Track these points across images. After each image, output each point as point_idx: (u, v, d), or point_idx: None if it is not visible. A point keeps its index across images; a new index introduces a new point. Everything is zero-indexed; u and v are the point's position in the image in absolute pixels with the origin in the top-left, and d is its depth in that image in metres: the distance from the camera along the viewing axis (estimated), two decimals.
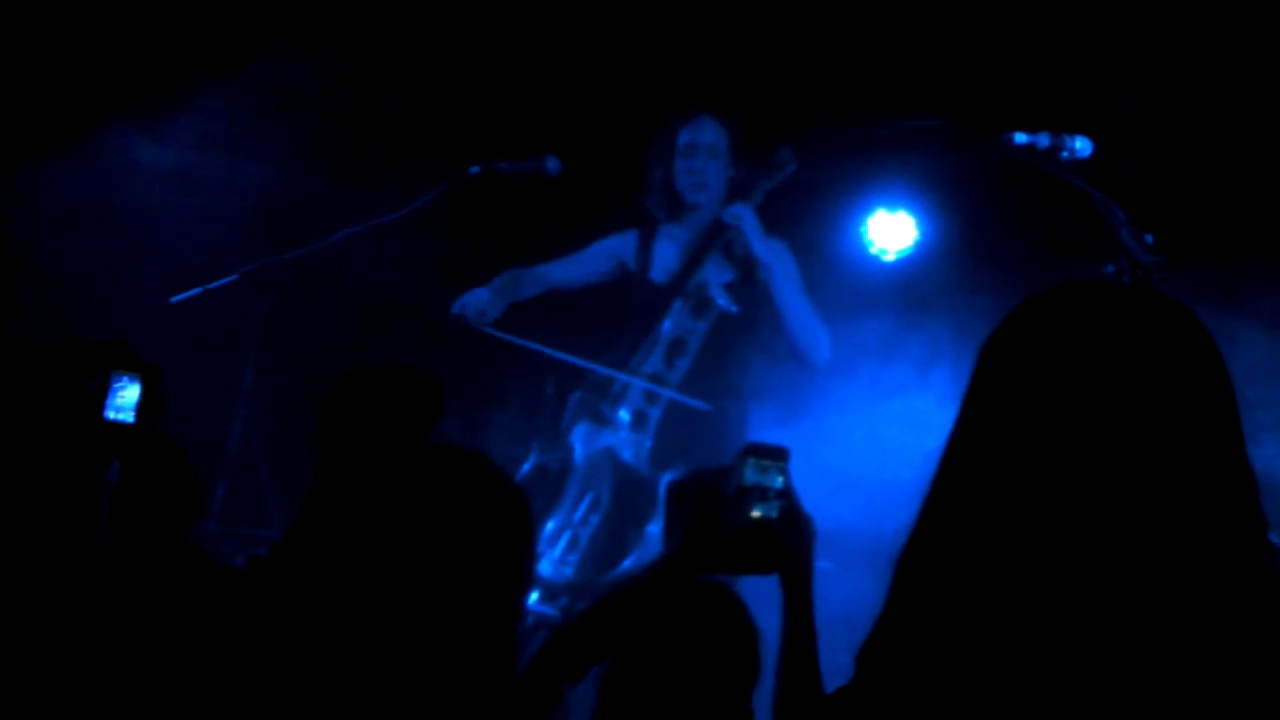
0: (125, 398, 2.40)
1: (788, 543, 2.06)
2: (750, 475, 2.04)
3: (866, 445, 4.93)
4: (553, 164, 4.76)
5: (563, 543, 4.53)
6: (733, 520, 2.04)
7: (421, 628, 1.72)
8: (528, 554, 1.83)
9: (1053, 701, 1.54)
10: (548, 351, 4.67)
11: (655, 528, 4.43)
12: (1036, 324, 1.68)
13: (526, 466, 4.69)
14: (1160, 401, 1.60)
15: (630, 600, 2.19)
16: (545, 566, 4.49)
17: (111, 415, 2.39)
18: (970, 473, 1.65)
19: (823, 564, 2.14)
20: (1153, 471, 1.58)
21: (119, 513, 2.38)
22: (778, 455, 2.06)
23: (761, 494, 2.04)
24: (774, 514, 2.04)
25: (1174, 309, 1.67)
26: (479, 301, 4.75)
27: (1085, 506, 1.57)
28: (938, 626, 1.61)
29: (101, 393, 2.39)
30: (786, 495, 2.06)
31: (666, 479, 4.45)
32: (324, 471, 2.84)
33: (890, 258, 5.33)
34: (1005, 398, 1.65)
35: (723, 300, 4.69)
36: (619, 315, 4.90)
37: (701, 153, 4.79)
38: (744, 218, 4.66)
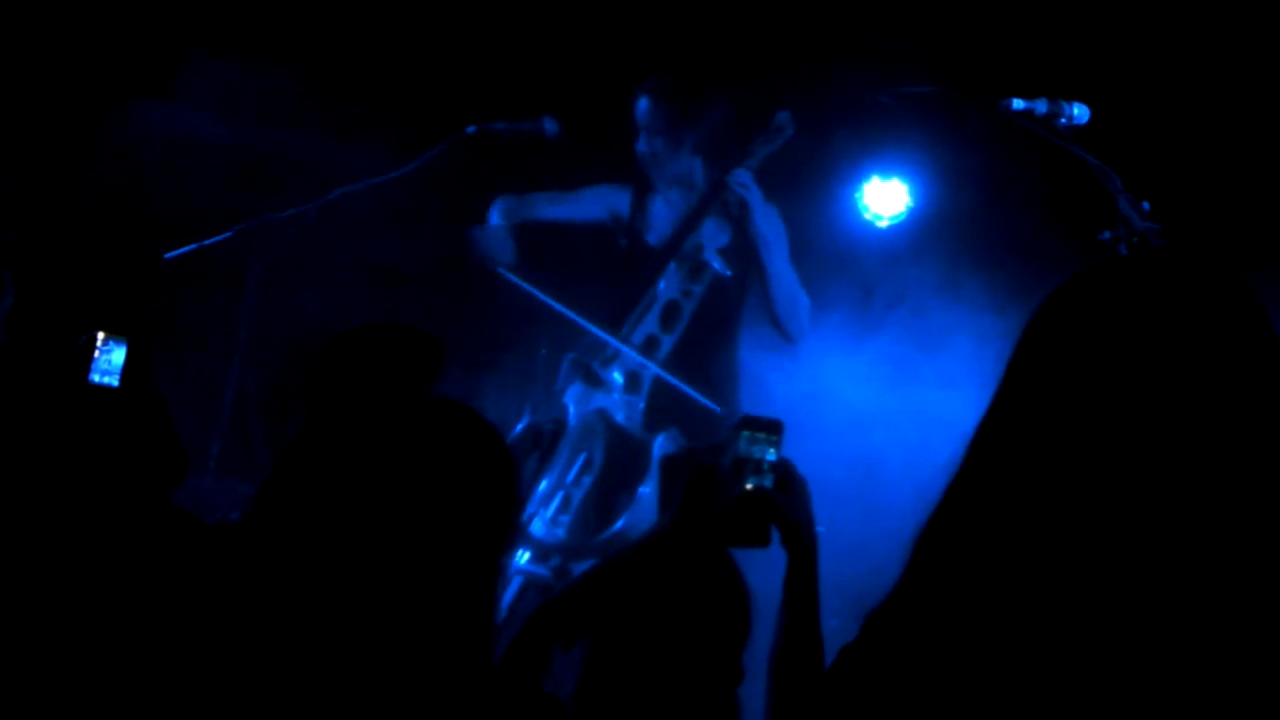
0: (111, 361, 2.39)
1: (787, 512, 2.07)
2: (744, 448, 2.07)
3: (857, 411, 4.94)
4: (550, 125, 4.75)
5: (555, 503, 4.54)
6: (728, 493, 2.06)
7: (401, 577, 1.71)
8: (511, 505, 1.83)
9: (1073, 685, 1.53)
10: (555, 305, 4.61)
11: (647, 489, 4.44)
12: (1085, 304, 1.64)
13: (519, 427, 4.69)
14: (1213, 390, 1.57)
15: (623, 572, 2.20)
16: (538, 527, 4.50)
17: (96, 378, 2.38)
18: (1012, 450, 1.62)
19: None
20: (1196, 458, 1.55)
21: (101, 471, 2.37)
22: (772, 428, 2.08)
23: (756, 466, 2.07)
24: (768, 485, 2.06)
25: (1234, 285, 1.62)
26: (496, 240, 4.71)
27: (1129, 493, 1.55)
28: (960, 597, 1.58)
29: (87, 355, 2.38)
30: (781, 467, 2.08)
31: (659, 449, 4.47)
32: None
33: (884, 224, 5.33)
34: (1051, 378, 1.62)
35: (717, 264, 4.68)
36: (612, 275, 4.89)
37: (642, 132, 4.76)
38: (750, 187, 4.65)
